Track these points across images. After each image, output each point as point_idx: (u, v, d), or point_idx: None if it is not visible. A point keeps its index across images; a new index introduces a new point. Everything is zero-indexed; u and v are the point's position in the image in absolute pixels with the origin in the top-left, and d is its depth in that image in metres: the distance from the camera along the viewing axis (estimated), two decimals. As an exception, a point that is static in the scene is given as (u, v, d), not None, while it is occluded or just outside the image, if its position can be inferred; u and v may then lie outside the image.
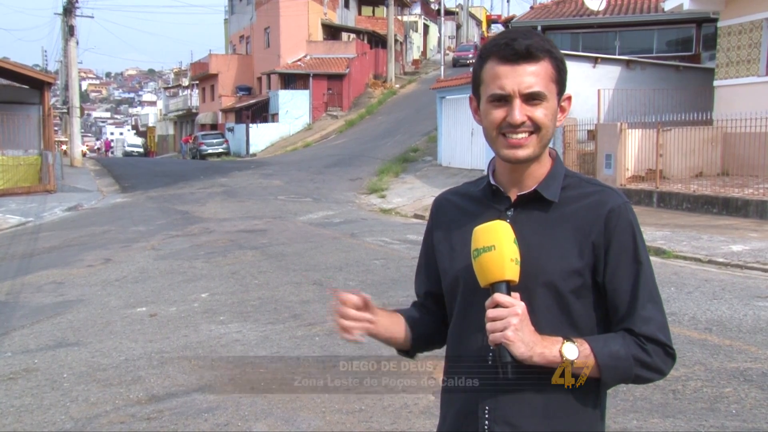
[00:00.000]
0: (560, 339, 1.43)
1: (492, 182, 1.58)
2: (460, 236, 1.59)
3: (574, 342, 1.43)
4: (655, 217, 12.27)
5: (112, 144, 79.98)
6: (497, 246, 1.40)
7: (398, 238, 11.68)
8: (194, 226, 13.68)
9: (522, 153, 1.48)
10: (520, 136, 1.46)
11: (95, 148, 72.72)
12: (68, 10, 30.71)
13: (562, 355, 1.41)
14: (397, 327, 1.65)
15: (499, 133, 1.48)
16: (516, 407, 1.48)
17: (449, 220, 1.66)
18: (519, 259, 1.42)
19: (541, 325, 1.44)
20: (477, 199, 1.62)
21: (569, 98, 1.57)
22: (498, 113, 1.47)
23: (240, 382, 5.13)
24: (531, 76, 1.45)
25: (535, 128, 1.47)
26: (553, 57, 1.49)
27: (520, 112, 1.45)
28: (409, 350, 1.70)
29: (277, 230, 12.96)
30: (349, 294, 1.53)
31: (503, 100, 1.46)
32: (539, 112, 1.46)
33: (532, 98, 1.45)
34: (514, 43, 1.44)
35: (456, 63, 43.01)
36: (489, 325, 1.39)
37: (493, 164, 1.62)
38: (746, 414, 4.20)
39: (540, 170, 1.55)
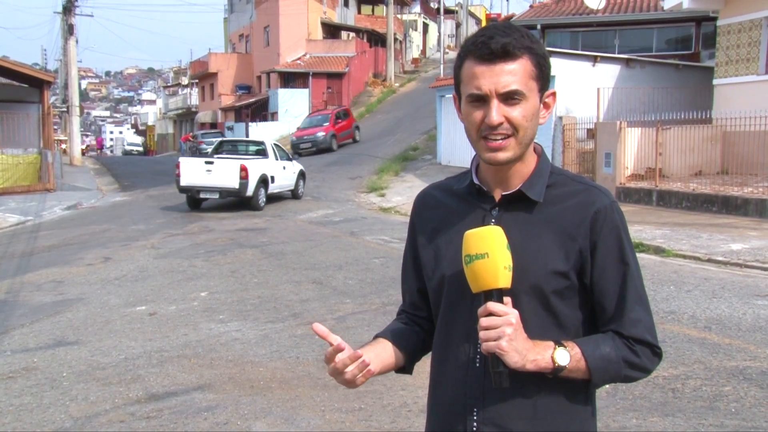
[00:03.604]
0: (551, 344, 1.42)
1: (475, 181, 1.56)
2: (444, 236, 1.57)
3: (565, 347, 1.42)
4: (655, 216, 12.28)
5: (112, 142, 79.70)
6: (491, 254, 1.37)
7: (398, 236, 11.68)
8: (194, 225, 13.69)
9: (502, 156, 1.45)
10: (498, 139, 1.43)
11: (83, 146, 70.83)
12: (68, 9, 30.68)
13: (554, 362, 1.40)
14: (386, 355, 1.60)
15: (480, 136, 1.45)
16: (504, 408, 1.46)
17: (433, 217, 1.63)
18: (511, 265, 1.40)
19: (528, 326, 1.43)
20: (462, 197, 1.59)
21: (553, 94, 1.53)
22: (477, 114, 1.44)
23: (239, 380, 5.13)
24: (508, 75, 1.41)
25: (513, 131, 1.43)
26: (534, 53, 1.44)
27: (497, 112, 1.41)
28: (404, 367, 1.67)
29: (277, 229, 12.97)
30: (330, 337, 1.46)
31: (481, 100, 1.43)
32: (517, 112, 1.42)
33: (510, 97, 1.42)
34: (490, 42, 1.40)
35: (296, 149, 29.05)
36: (482, 334, 1.37)
37: (477, 160, 1.58)
38: (746, 412, 4.20)
39: (525, 168, 1.52)
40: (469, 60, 1.45)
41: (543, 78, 1.47)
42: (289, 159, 18.23)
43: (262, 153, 17.25)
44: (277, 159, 17.29)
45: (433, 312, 1.64)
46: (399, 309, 1.78)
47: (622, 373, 1.46)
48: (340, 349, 1.45)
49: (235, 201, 16.26)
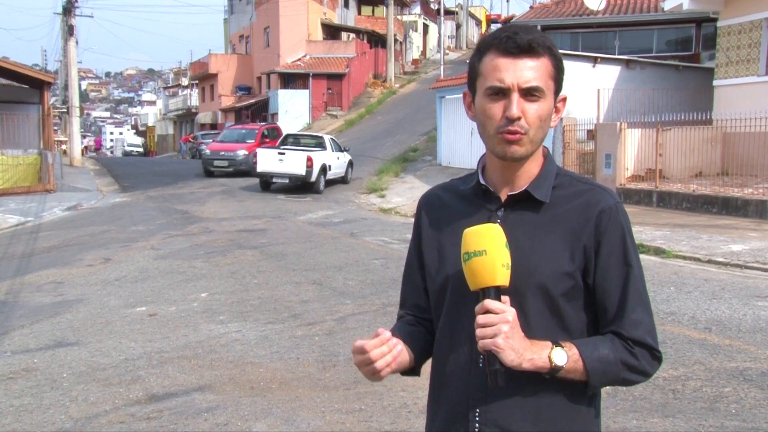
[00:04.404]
0: (549, 344, 1.41)
1: (482, 182, 1.56)
2: (449, 236, 1.56)
3: (563, 347, 1.41)
4: (655, 217, 12.28)
5: (112, 143, 79.64)
6: (488, 251, 1.37)
7: (398, 237, 11.68)
8: (194, 226, 13.68)
9: (517, 151, 1.45)
10: (515, 134, 1.43)
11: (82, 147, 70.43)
12: (68, 10, 30.67)
13: (551, 361, 1.39)
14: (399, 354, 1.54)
15: (497, 131, 1.45)
16: (507, 410, 1.46)
17: (438, 218, 1.63)
18: (510, 263, 1.40)
19: (533, 327, 1.43)
20: (467, 198, 1.59)
21: (564, 99, 1.54)
22: (496, 108, 1.44)
23: (239, 381, 5.13)
24: (531, 70, 1.42)
25: (529, 128, 1.44)
26: (553, 55, 1.46)
27: (517, 106, 1.42)
28: (414, 368, 1.63)
29: (277, 230, 12.97)
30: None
31: (501, 93, 1.43)
32: (535, 110, 1.43)
33: (530, 93, 1.42)
34: (516, 37, 1.42)
35: (208, 165, 24.01)
36: (479, 332, 1.37)
37: (483, 161, 1.58)
38: (746, 413, 4.20)
39: (532, 169, 1.52)
40: (491, 53, 1.46)
41: (559, 80, 1.49)
42: (341, 150, 21.62)
43: (321, 145, 20.88)
44: (333, 151, 20.86)
45: (434, 313, 1.63)
46: (400, 312, 1.75)
47: (621, 376, 1.45)
48: (380, 340, 1.44)
49: (300, 185, 19.34)
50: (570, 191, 1.52)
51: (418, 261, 1.67)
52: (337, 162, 20.78)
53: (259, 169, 19.32)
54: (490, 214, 1.52)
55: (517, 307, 1.42)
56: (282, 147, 20.63)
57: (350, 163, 22.05)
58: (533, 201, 1.51)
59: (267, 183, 19.80)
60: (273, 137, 25.95)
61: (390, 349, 1.44)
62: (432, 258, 1.61)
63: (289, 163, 19.00)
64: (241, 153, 23.97)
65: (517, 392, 1.44)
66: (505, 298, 1.40)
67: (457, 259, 1.45)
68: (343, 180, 21.37)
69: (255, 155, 19.60)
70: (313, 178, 19.01)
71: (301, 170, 18.88)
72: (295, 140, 21.94)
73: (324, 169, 19.57)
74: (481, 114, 1.48)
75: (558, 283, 1.46)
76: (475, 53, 1.51)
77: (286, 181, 19.27)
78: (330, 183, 20.43)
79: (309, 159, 18.88)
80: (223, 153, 24.25)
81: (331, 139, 21.96)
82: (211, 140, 32.86)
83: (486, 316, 1.37)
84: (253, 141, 24.81)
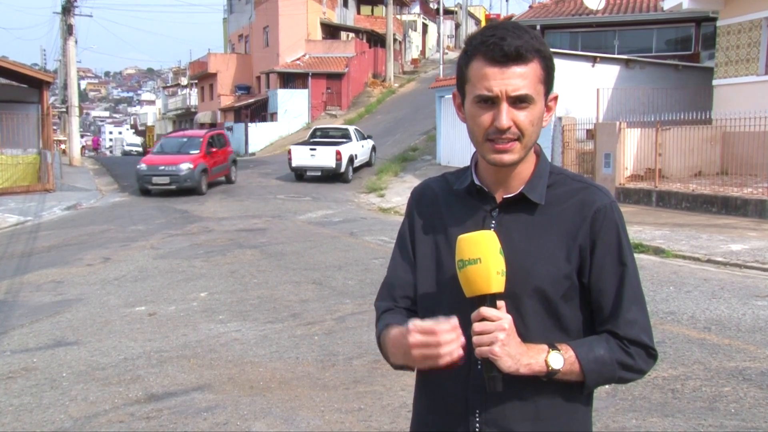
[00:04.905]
0: (545, 348, 1.42)
1: (476, 182, 1.54)
2: (444, 239, 1.54)
3: (559, 350, 1.41)
4: (654, 216, 12.28)
5: (111, 143, 79.59)
6: (483, 259, 1.36)
7: (397, 237, 11.66)
8: (193, 225, 13.68)
9: (507, 158, 1.44)
10: (505, 142, 1.42)
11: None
12: (67, 9, 30.63)
13: (548, 365, 1.40)
14: None
15: (486, 139, 1.44)
16: (507, 410, 1.46)
17: (432, 215, 1.60)
18: (504, 270, 1.39)
19: (530, 329, 1.43)
20: (461, 197, 1.57)
21: (556, 98, 1.52)
22: (485, 117, 1.42)
23: (239, 381, 5.13)
24: (519, 78, 1.39)
25: (520, 134, 1.42)
26: (542, 56, 1.43)
27: (506, 116, 1.40)
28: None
29: (277, 229, 12.96)
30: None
31: (489, 101, 1.41)
32: (525, 117, 1.41)
33: (519, 101, 1.40)
34: (503, 44, 1.38)
35: (145, 182, 19.47)
36: (475, 339, 1.37)
37: (476, 158, 1.57)
38: (745, 413, 4.20)
39: (525, 169, 1.51)
40: (478, 60, 1.43)
41: (549, 81, 1.47)
42: (364, 138, 24.04)
43: (347, 137, 22.85)
44: (357, 140, 23.09)
45: (421, 312, 1.57)
46: (387, 304, 1.65)
47: (617, 375, 1.46)
48: (452, 326, 1.36)
49: (330, 175, 21.62)
50: (564, 190, 1.52)
51: (410, 256, 1.63)
52: (362, 150, 23.28)
53: (294, 164, 21.71)
54: (485, 216, 1.52)
55: (514, 310, 1.42)
56: (312, 141, 22.71)
57: (373, 148, 24.60)
58: (528, 202, 1.50)
59: (301, 175, 22.15)
60: (220, 145, 21.67)
61: (457, 337, 1.37)
62: (425, 256, 1.59)
63: (320, 157, 21.34)
64: (185, 167, 18.96)
65: (516, 393, 1.45)
66: (501, 304, 1.40)
67: (453, 263, 1.44)
68: (368, 164, 24.01)
69: (289, 152, 21.97)
70: (343, 169, 21.31)
71: (332, 163, 21.23)
72: (323, 133, 23.75)
73: (351, 160, 21.96)
74: (470, 120, 1.47)
75: (556, 285, 1.46)
76: (462, 55, 1.48)
77: (319, 173, 21.60)
78: (357, 169, 22.85)
79: (338, 153, 21.19)
80: (162, 167, 19.13)
81: (355, 129, 24.26)
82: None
83: (482, 323, 1.37)
84: (197, 151, 19.83)
